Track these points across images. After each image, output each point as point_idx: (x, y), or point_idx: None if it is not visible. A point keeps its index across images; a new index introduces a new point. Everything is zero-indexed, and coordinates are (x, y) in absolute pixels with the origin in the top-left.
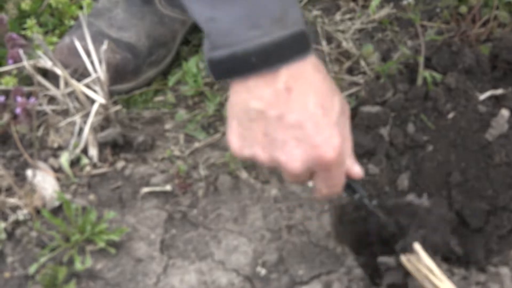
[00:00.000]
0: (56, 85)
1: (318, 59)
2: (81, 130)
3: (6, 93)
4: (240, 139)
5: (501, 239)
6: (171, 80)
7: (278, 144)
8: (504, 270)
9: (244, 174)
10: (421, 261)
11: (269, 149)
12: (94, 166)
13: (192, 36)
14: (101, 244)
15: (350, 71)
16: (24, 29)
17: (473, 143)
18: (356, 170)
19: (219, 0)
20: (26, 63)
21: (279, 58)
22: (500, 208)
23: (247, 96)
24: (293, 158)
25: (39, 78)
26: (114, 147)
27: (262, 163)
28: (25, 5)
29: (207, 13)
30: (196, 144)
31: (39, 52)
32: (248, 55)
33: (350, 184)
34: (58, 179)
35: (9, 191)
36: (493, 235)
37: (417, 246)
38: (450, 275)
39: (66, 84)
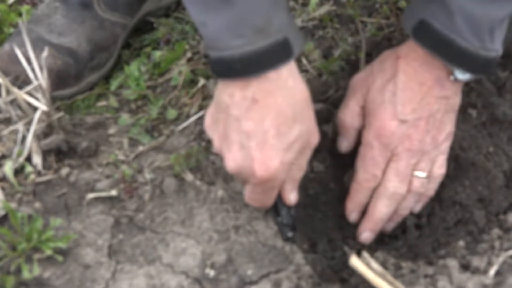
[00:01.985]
0: None
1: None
2: (24, 138)
3: None
4: (211, 120)
5: (448, 231)
6: (113, 84)
7: (228, 140)
8: (451, 262)
9: (189, 176)
10: (370, 265)
11: (221, 140)
12: (39, 173)
13: (133, 40)
14: (49, 252)
15: None
16: None
17: None
18: (291, 197)
19: (210, 7)
20: None
21: (262, 65)
22: (446, 200)
23: (225, 90)
24: (232, 158)
25: None
26: (58, 154)
27: (214, 148)
28: None
29: (200, 17)
30: (141, 148)
31: None
32: (233, 61)
33: (279, 207)
34: (2, 188)
35: None
36: (439, 227)
37: (365, 254)
38: (398, 268)
39: (8, 92)
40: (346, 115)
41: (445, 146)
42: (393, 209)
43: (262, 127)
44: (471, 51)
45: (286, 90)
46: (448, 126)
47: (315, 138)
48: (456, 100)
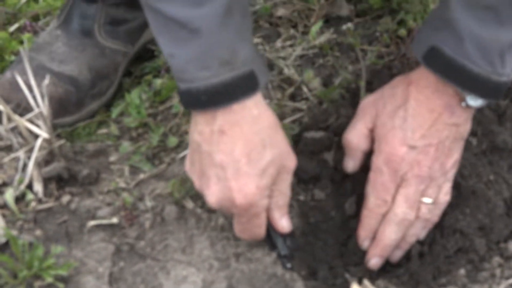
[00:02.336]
0: None
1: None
2: (25, 166)
3: None
4: (189, 163)
5: (448, 259)
6: (114, 112)
7: (205, 177)
8: None
9: (190, 204)
10: None
11: (200, 178)
12: (40, 201)
13: (134, 68)
14: (49, 280)
15: (293, 97)
16: None
17: None
18: (282, 224)
19: (178, 39)
20: None
21: (227, 97)
22: (446, 228)
23: (194, 128)
24: (211, 193)
25: None
26: (59, 181)
27: (196, 188)
28: None
29: (169, 49)
30: (141, 176)
31: None
32: (199, 93)
33: (274, 239)
34: (3, 216)
35: None
36: (440, 255)
37: (366, 282)
38: None
39: (9, 119)
40: (353, 136)
41: (452, 174)
42: (402, 236)
43: (233, 157)
44: (483, 76)
45: (251, 119)
46: (456, 154)
47: (291, 162)
48: (466, 127)
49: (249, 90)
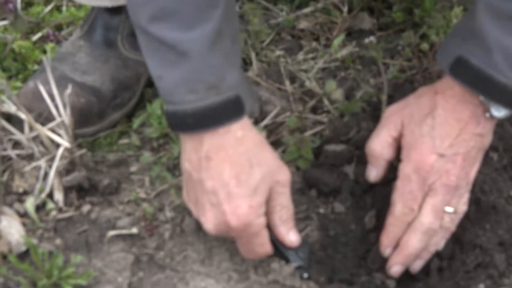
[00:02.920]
0: (21, 129)
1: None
2: (46, 175)
3: None
4: (185, 193)
5: (468, 274)
6: (136, 123)
7: (199, 205)
8: None
9: None
10: None
11: (195, 207)
12: (60, 210)
13: None
14: None
15: (314, 110)
16: None
17: None
18: (290, 238)
19: (167, 61)
20: None
21: (213, 121)
22: (466, 243)
23: (184, 157)
24: (207, 220)
25: (3, 123)
26: (80, 191)
27: (194, 217)
28: None
29: (157, 71)
30: (162, 186)
31: (3, 97)
32: (185, 116)
33: (285, 254)
34: (24, 224)
35: None
36: (460, 271)
37: None
38: None
39: (31, 128)
40: (377, 145)
41: (471, 184)
42: (425, 245)
43: (223, 181)
44: (510, 87)
45: (235, 142)
46: (478, 164)
47: (283, 176)
48: (489, 138)
49: (235, 114)
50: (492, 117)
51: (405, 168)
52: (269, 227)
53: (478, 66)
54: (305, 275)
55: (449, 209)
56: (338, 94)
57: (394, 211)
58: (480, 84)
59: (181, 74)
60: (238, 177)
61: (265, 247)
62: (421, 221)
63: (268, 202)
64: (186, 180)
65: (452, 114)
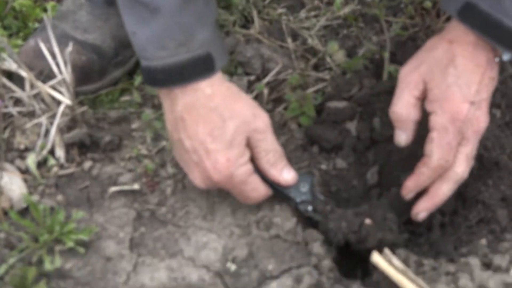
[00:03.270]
0: (22, 87)
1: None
2: (47, 132)
3: None
4: (174, 151)
5: (470, 229)
6: (137, 80)
7: (185, 163)
8: (473, 260)
9: None
10: (391, 262)
11: (183, 165)
12: (61, 166)
13: None
14: (70, 244)
15: (316, 67)
16: None
17: None
18: (285, 178)
19: (140, 18)
20: None
21: (183, 77)
22: (469, 199)
23: (165, 117)
24: (194, 177)
25: (4, 81)
26: (81, 148)
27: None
28: None
29: (132, 27)
30: (163, 143)
31: (4, 55)
32: (156, 72)
33: (285, 193)
34: (25, 181)
35: None
36: (462, 226)
37: (386, 251)
38: (419, 265)
39: (32, 86)
40: (402, 109)
41: None
42: (452, 192)
43: (199, 139)
44: None
45: (204, 99)
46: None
47: (260, 121)
48: (496, 82)
49: (204, 71)
50: (500, 61)
51: (440, 120)
52: (262, 172)
53: (487, 11)
54: (310, 208)
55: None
56: (340, 55)
57: (430, 162)
58: (489, 29)
59: (153, 31)
60: (212, 134)
61: (259, 191)
62: (455, 170)
63: (253, 150)
64: (171, 140)
65: (471, 61)
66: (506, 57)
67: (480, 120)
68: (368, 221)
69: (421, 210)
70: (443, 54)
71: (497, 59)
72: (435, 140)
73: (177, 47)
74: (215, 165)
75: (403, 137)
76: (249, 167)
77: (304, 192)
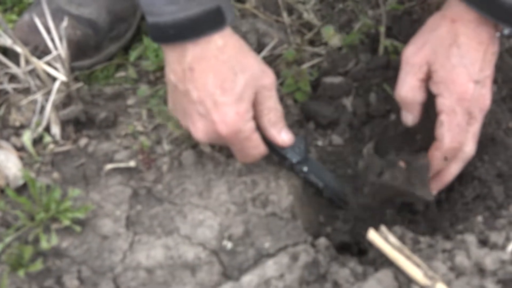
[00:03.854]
0: (17, 63)
1: (235, 33)
2: (43, 108)
3: None
4: (171, 103)
5: (466, 206)
6: (133, 55)
7: (187, 115)
8: (469, 237)
9: (207, 148)
10: (387, 239)
11: (183, 117)
12: (57, 143)
13: None
14: (66, 222)
15: (312, 42)
16: None
17: (435, 109)
18: (282, 138)
19: None
20: None
21: (195, 32)
22: (464, 175)
23: (168, 69)
24: (197, 130)
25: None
26: (77, 124)
27: (183, 126)
28: None
29: None
30: (159, 119)
31: None
32: (167, 27)
33: (282, 153)
34: (21, 158)
35: None
36: (458, 203)
37: (383, 228)
38: (415, 242)
39: (27, 62)
40: (407, 91)
41: None
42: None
43: (208, 91)
44: None
45: (216, 51)
46: None
47: (267, 78)
48: (497, 55)
49: (216, 24)
50: (501, 35)
51: (448, 102)
52: (261, 130)
53: None
54: (305, 168)
55: None
56: (335, 39)
57: (442, 146)
58: (486, 5)
59: None
60: (222, 86)
61: (259, 149)
62: (465, 150)
63: (256, 107)
64: (171, 91)
65: (474, 39)
66: (506, 31)
67: (486, 97)
68: (402, 163)
69: (431, 190)
70: (446, 33)
71: (498, 34)
72: (445, 123)
73: (187, 1)
74: (223, 118)
75: (410, 118)
76: (253, 123)
77: (298, 152)
